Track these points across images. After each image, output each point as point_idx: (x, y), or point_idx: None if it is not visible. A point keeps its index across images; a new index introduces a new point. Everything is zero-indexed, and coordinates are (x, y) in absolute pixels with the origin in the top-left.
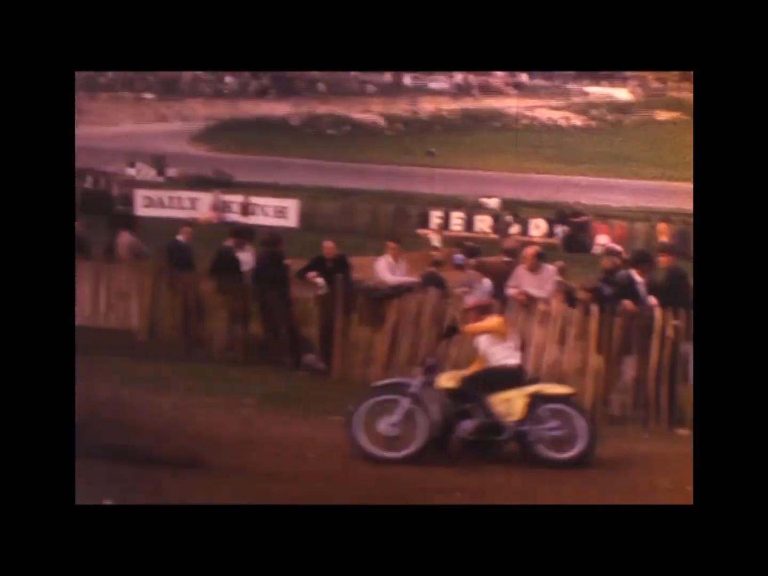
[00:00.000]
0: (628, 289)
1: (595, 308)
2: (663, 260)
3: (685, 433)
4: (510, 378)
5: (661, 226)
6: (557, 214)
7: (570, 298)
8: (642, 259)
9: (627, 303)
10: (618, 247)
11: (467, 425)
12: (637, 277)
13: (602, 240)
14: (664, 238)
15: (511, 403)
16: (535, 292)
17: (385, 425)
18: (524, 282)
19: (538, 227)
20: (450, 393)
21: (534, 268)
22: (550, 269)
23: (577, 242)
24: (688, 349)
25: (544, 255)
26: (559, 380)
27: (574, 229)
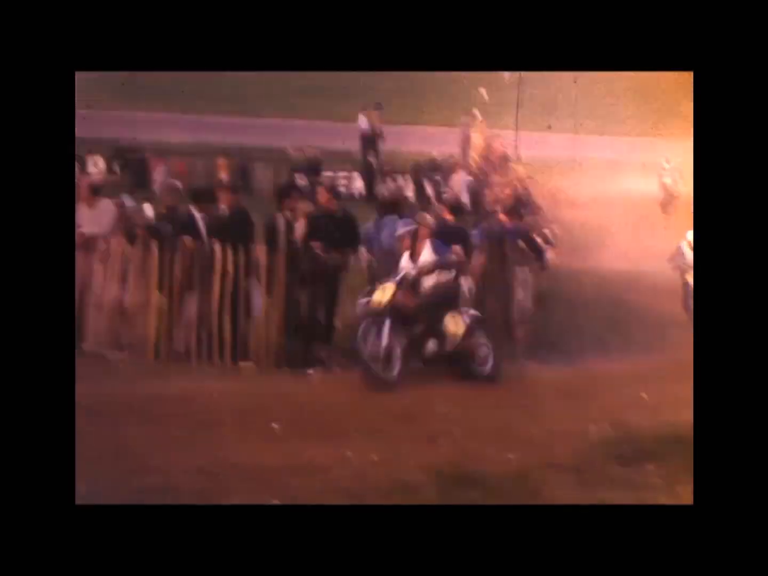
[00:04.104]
0: (188, 225)
1: (154, 245)
2: (223, 197)
3: (248, 365)
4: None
5: (221, 162)
6: (115, 150)
7: (130, 235)
8: (202, 196)
9: (187, 239)
10: (177, 183)
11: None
12: (197, 214)
13: (160, 176)
14: (224, 174)
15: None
16: (93, 228)
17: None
18: (81, 218)
19: (96, 164)
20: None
21: (90, 203)
22: (107, 203)
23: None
24: (249, 284)
25: (100, 189)
26: (122, 318)
27: (133, 166)
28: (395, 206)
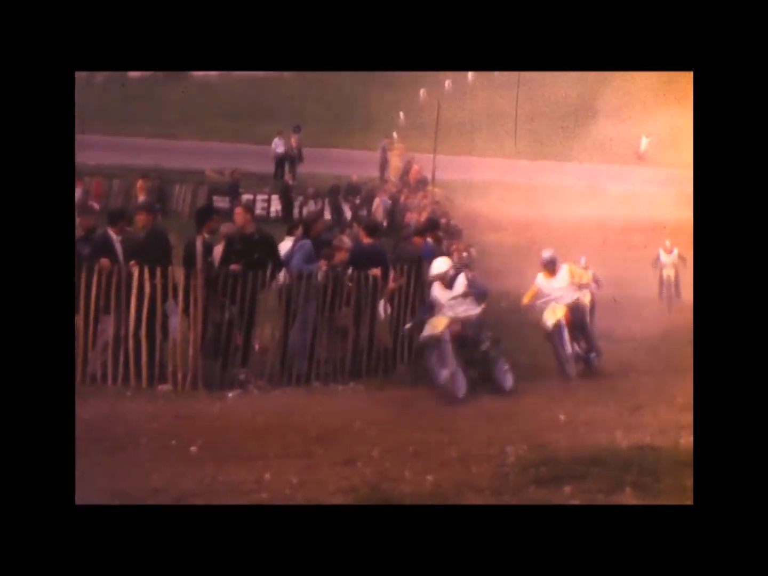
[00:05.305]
0: (105, 247)
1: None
2: (140, 218)
3: (166, 388)
4: None
5: (140, 183)
6: None
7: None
8: (118, 217)
9: (104, 261)
10: (95, 205)
11: None
12: (114, 235)
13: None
14: (141, 196)
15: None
16: None
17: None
18: None
19: None
20: None
21: None
22: None
23: None
24: (167, 306)
25: None
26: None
27: None
28: (309, 229)
